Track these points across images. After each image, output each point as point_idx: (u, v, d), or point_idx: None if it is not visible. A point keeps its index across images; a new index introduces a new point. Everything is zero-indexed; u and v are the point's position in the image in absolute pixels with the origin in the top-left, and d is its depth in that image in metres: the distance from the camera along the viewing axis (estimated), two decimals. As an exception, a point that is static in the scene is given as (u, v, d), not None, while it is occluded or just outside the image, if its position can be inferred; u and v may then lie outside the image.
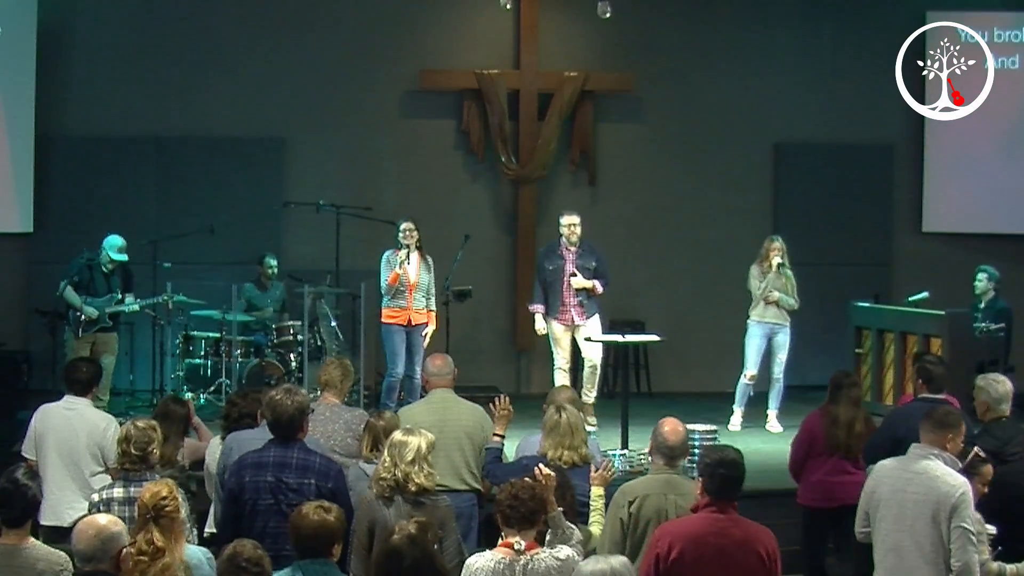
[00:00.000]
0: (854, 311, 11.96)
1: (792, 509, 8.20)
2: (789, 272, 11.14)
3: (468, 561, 5.38)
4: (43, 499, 5.87)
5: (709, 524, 5.40)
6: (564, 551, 5.39)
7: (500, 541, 5.40)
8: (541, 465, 5.87)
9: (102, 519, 4.99)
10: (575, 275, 10.85)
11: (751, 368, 11.15)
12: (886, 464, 6.16)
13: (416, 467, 6.00)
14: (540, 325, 11.10)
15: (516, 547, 5.30)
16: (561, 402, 7.06)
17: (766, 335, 11.12)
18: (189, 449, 7.62)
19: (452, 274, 11.74)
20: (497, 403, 7.28)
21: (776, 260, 10.99)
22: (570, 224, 10.96)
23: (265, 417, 6.24)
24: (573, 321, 10.96)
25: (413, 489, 5.96)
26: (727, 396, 11.40)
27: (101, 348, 10.75)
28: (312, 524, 5.14)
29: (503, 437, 7.23)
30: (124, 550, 4.90)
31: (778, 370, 11.16)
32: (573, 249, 10.95)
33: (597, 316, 11.02)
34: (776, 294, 11.03)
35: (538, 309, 11.09)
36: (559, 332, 11.03)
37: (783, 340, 11.13)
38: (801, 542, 7.96)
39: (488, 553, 5.38)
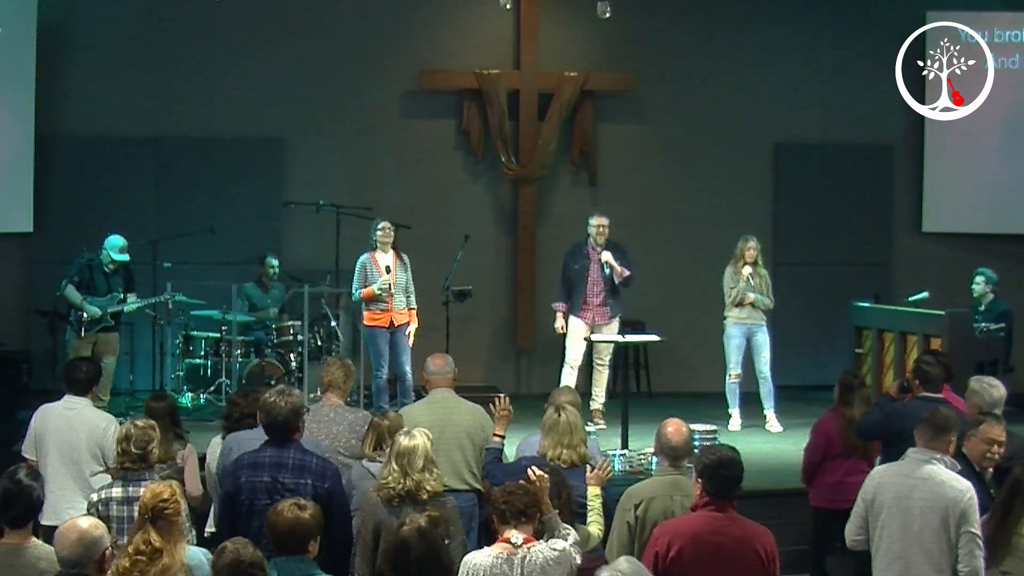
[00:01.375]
0: (854, 311, 11.96)
1: (793, 509, 8.21)
2: (764, 272, 11.22)
3: (466, 558, 5.37)
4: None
5: (708, 523, 5.40)
6: (560, 543, 5.41)
7: (498, 538, 5.40)
8: (534, 467, 5.86)
9: (83, 523, 4.94)
10: (606, 257, 10.88)
11: (734, 367, 11.22)
12: (884, 470, 6.07)
13: (427, 474, 6.01)
14: (560, 323, 11.16)
15: (513, 541, 5.31)
16: (561, 402, 7.04)
17: (744, 335, 11.18)
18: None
19: (452, 274, 11.74)
20: (497, 403, 7.28)
21: (747, 266, 11.04)
22: (599, 225, 11.03)
23: (260, 420, 6.22)
24: (595, 320, 10.99)
25: (425, 497, 5.96)
26: (727, 396, 11.39)
27: (102, 348, 10.73)
28: (286, 521, 5.16)
29: (503, 437, 7.22)
30: (107, 551, 4.89)
31: (765, 369, 11.20)
32: (599, 249, 11.01)
33: (617, 320, 11.06)
34: (751, 295, 11.07)
35: (560, 307, 11.16)
36: (578, 329, 11.06)
37: (762, 339, 11.17)
38: (812, 543, 7.95)
39: (486, 549, 5.39)
